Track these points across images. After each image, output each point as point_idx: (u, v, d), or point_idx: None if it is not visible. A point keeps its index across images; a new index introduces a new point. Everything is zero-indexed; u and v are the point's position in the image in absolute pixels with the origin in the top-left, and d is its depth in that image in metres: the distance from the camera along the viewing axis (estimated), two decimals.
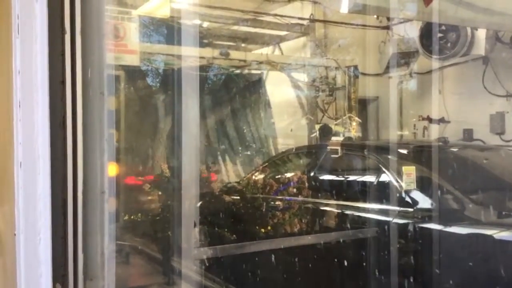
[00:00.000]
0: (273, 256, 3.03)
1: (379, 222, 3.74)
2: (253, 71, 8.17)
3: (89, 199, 1.13)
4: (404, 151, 4.19)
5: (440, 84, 6.50)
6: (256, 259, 3.05)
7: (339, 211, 4.14)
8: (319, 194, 4.28)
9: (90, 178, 1.12)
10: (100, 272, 1.17)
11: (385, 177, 3.89)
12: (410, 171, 3.78)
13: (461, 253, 3.28)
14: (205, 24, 7.34)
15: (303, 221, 4.01)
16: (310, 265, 3.43)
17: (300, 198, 4.17)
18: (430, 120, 6.55)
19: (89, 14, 1.08)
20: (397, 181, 3.73)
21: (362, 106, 7.69)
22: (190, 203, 2.02)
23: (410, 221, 3.50)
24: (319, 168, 4.71)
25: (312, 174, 4.60)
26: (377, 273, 3.56)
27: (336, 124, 7.26)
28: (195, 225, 1.96)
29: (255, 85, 8.16)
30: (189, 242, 1.93)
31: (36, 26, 1.01)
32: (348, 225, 3.96)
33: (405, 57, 6.61)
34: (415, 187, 3.69)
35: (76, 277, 1.13)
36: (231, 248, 2.41)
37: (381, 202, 3.88)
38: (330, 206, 4.20)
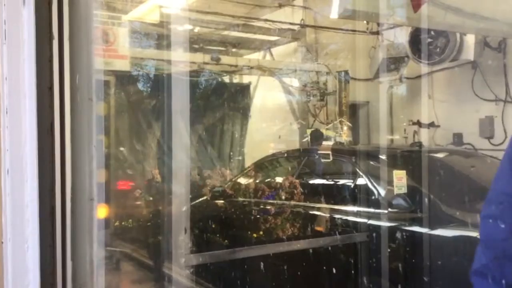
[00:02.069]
0: (259, 260, 3.06)
1: (355, 223, 3.89)
2: (237, 81, 8.21)
3: (77, 206, 1.12)
4: (379, 155, 4.33)
5: (429, 89, 6.54)
6: (243, 263, 3.07)
7: (314, 213, 4.25)
8: (299, 198, 4.43)
9: (78, 185, 1.11)
10: (89, 280, 1.15)
11: (362, 180, 4.04)
12: (400, 175, 3.83)
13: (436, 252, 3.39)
14: (196, 29, 7.34)
15: (283, 223, 4.13)
16: (290, 267, 3.49)
17: (279, 201, 4.33)
18: (420, 124, 6.59)
19: (77, 20, 1.07)
20: (373, 184, 3.86)
21: (353, 110, 7.72)
22: (180, 209, 2.01)
23: (385, 223, 3.65)
24: (298, 172, 4.84)
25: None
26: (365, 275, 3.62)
27: (327, 129, 7.28)
28: (185, 231, 1.95)
29: (240, 93, 8.19)
30: (180, 248, 1.92)
31: (24, 32, 1.00)
32: (324, 226, 4.10)
33: (395, 62, 6.65)
34: (405, 190, 3.79)
35: (65, 285, 1.11)
36: (221, 254, 2.40)
37: (356, 205, 4.03)
38: (308, 208, 4.32)
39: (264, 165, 5.43)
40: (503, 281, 1.51)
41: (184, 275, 2.07)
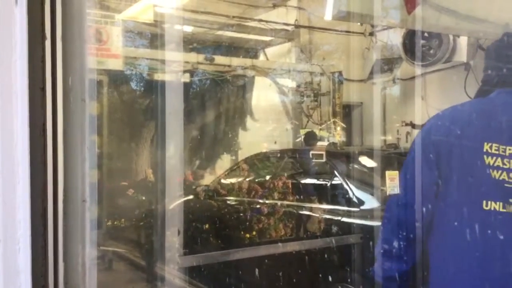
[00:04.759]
0: (248, 261, 3.09)
1: (329, 220, 4.02)
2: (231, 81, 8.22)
3: (70, 207, 1.11)
4: (354, 156, 4.43)
5: (422, 90, 6.57)
6: (235, 264, 3.10)
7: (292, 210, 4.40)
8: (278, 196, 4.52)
9: (71, 186, 1.10)
10: (81, 281, 1.14)
11: (337, 180, 4.17)
12: (393, 175, 3.87)
13: None
14: (190, 29, 7.33)
15: (274, 223, 4.21)
16: (279, 268, 3.52)
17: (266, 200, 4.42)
18: (413, 125, 6.62)
19: (70, 19, 1.06)
20: (347, 184, 3.99)
21: (346, 111, 7.74)
22: (173, 210, 2.00)
23: (357, 220, 3.76)
24: (279, 172, 4.93)
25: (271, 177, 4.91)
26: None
27: (320, 129, 7.29)
28: (178, 233, 1.94)
29: (235, 93, 8.21)
30: (172, 249, 1.91)
31: (16, 32, 0.99)
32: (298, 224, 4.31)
33: (388, 64, 6.68)
34: (397, 191, 3.83)
35: (56, 287, 1.10)
36: (215, 256, 2.40)
37: (331, 203, 4.18)
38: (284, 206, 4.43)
39: (253, 163, 5.48)
40: (406, 259, 1.78)
41: (177, 276, 2.06)
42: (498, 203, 1.62)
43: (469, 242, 1.67)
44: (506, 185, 1.63)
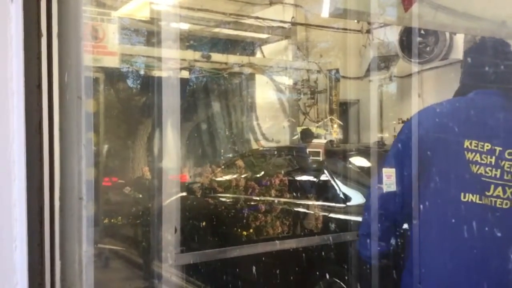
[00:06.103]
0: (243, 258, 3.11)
1: (321, 217, 4.04)
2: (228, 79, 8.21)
3: (66, 205, 1.10)
4: (345, 154, 4.48)
5: (419, 87, 6.58)
6: (230, 261, 3.12)
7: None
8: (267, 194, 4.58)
9: (67, 184, 1.10)
10: (78, 279, 1.14)
11: (325, 177, 4.23)
12: (390, 173, 3.88)
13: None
14: (187, 27, 7.31)
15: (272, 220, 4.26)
16: (272, 265, 3.55)
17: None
18: None
19: (67, 16, 1.06)
20: (334, 180, 4.07)
21: (343, 109, 7.75)
22: (170, 207, 2.00)
23: (343, 216, 3.80)
24: (271, 169, 4.96)
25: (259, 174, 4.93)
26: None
27: (317, 127, 7.30)
28: (175, 231, 1.94)
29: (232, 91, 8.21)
30: (169, 247, 1.92)
31: (11, 29, 0.99)
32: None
33: (385, 61, 6.68)
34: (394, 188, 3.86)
35: (53, 285, 1.10)
36: (212, 253, 2.40)
37: (320, 200, 4.21)
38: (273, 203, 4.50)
39: (249, 160, 5.49)
40: (391, 243, 1.96)
41: (173, 274, 2.06)
42: (475, 195, 1.76)
43: (448, 230, 1.80)
44: (483, 179, 1.76)
